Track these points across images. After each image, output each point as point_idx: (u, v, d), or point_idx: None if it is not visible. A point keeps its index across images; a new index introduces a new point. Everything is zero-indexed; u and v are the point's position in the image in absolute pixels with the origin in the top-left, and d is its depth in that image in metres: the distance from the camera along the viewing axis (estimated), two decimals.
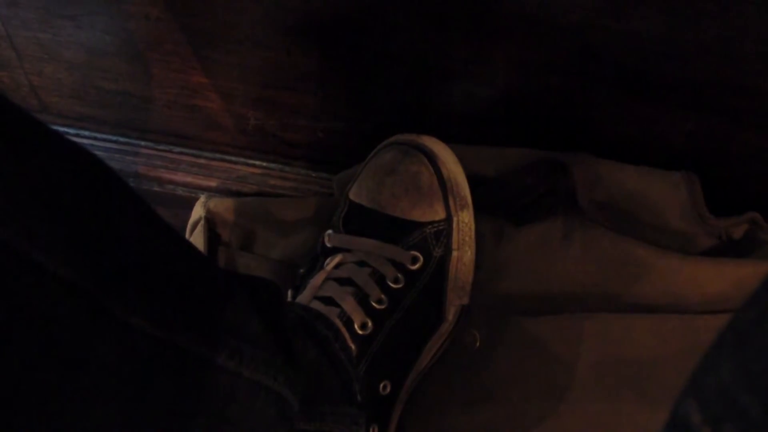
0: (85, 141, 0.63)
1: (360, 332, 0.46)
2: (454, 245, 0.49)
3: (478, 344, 0.50)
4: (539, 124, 0.53)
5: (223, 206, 0.60)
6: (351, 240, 0.49)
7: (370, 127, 0.56)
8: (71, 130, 0.63)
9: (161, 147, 0.63)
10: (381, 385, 0.46)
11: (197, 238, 0.59)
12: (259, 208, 0.60)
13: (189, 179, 0.63)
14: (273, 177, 0.61)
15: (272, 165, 0.61)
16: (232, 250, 0.59)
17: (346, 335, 0.45)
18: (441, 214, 0.49)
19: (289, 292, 0.51)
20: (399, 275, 0.48)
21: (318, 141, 0.58)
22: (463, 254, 0.50)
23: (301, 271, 0.51)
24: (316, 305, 0.47)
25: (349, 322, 0.46)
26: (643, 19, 0.43)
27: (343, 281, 0.47)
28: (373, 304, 0.47)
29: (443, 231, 0.49)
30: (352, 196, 0.51)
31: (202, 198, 0.62)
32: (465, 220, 0.50)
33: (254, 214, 0.60)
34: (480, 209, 0.51)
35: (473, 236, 0.50)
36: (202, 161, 0.63)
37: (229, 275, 0.36)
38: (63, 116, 0.62)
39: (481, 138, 0.54)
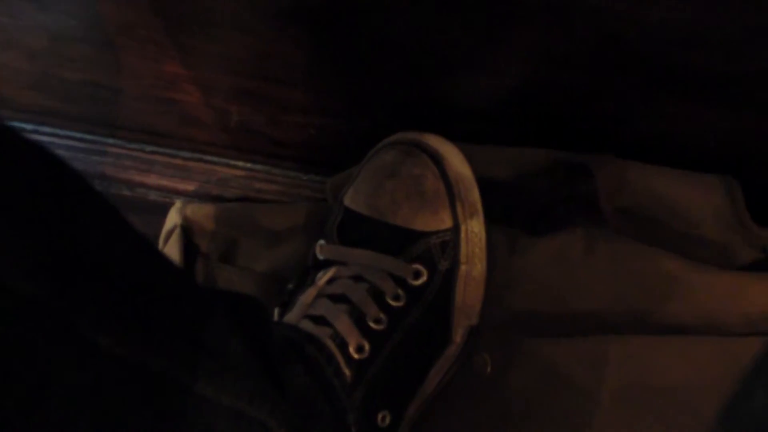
0: (45, 138, 0.63)
1: (355, 356, 0.46)
2: (462, 258, 0.50)
3: (489, 369, 0.51)
4: (557, 121, 0.53)
5: (202, 213, 0.61)
6: (346, 252, 0.49)
7: (368, 125, 0.56)
8: (29, 126, 0.63)
9: (132, 145, 0.63)
10: (379, 416, 0.46)
11: (172, 249, 0.60)
12: (242, 215, 0.60)
13: (163, 182, 0.64)
14: (258, 180, 0.62)
15: (258, 166, 0.62)
16: (212, 262, 0.60)
17: (340, 359, 0.46)
18: (447, 223, 0.50)
19: (276, 310, 0.51)
20: (400, 291, 0.48)
21: (309, 139, 0.59)
22: (473, 268, 0.50)
23: (290, 286, 0.52)
24: (306, 325, 0.47)
25: (343, 345, 0.46)
26: (672, 4, 0.43)
27: (336, 298, 0.48)
28: (371, 324, 0.47)
29: (450, 242, 0.50)
30: (347, 202, 0.51)
31: (178, 203, 0.62)
32: (474, 230, 0.50)
33: (237, 222, 0.60)
34: (491, 217, 0.51)
35: (484, 248, 0.51)
36: (178, 162, 0.63)
37: (208, 291, 0.37)
38: (21, 110, 0.62)
39: (492, 137, 0.54)
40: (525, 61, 0.50)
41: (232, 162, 0.62)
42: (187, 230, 0.61)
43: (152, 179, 0.63)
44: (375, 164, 0.51)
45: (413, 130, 0.51)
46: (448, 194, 0.50)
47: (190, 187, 0.63)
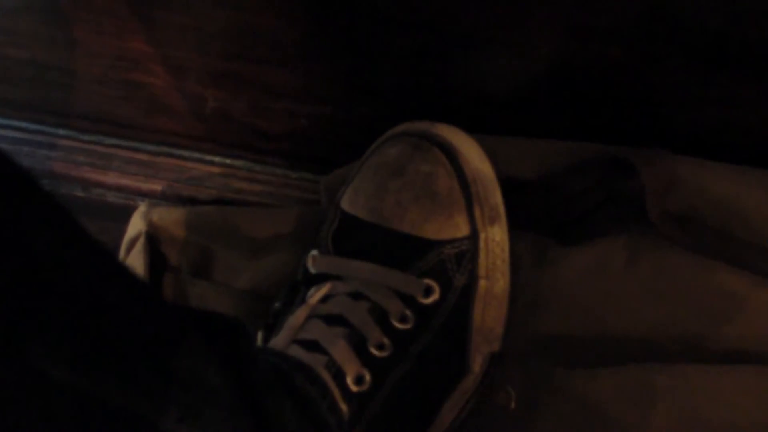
0: None
1: (354, 388, 0.46)
2: (482, 271, 0.50)
3: (513, 404, 0.50)
4: (594, 108, 0.53)
5: (171, 218, 0.61)
6: (343, 264, 0.50)
7: (369, 113, 0.56)
8: None
9: (87, 137, 0.63)
10: None
11: (135, 260, 0.60)
12: (219, 221, 0.60)
13: (124, 181, 0.63)
14: (239, 178, 0.62)
15: (238, 162, 0.62)
16: (183, 276, 0.60)
17: (336, 392, 0.46)
18: (464, 230, 0.50)
19: (259, 334, 0.51)
20: (407, 312, 0.48)
21: (299, 130, 0.58)
22: (494, 284, 0.50)
23: (276, 305, 0.52)
24: (296, 351, 0.47)
25: (339, 375, 0.46)
26: None
27: (332, 320, 0.48)
28: (373, 350, 0.47)
29: (467, 252, 0.50)
30: (344, 205, 0.52)
31: (143, 207, 0.62)
32: (496, 238, 0.50)
33: (213, 229, 0.60)
34: (516, 223, 0.51)
35: (507, 259, 0.51)
36: (143, 157, 0.63)
37: (178, 310, 0.36)
38: None
39: (516, 127, 0.54)
40: (554, 36, 0.50)
41: (208, 157, 0.62)
42: (153, 238, 0.61)
43: (111, 178, 0.63)
44: (377, 160, 0.51)
45: (422, 119, 0.52)
46: (464, 196, 0.50)
47: (157, 187, 0.63)
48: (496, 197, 0.51)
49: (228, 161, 0.62)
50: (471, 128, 0.52)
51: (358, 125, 0.56)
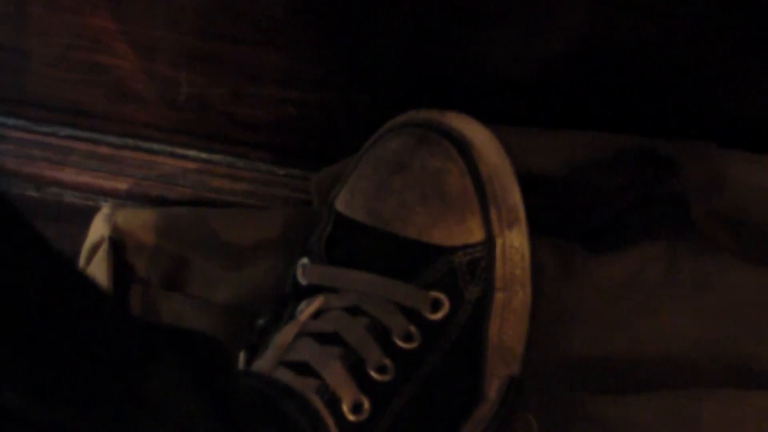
0: None
1: (351, 417, 0.46)
2: (499, 282, 0.50)
3: None
4: (625, 96, 0.53)
5: (139, 221, 0.61)
6: (338, 274, 0.50)
7: (368, 100, 0.56)
8: None
9: (42, 128, 0.63)
10: None
11: (97, 270, 0.60)
12: (195, 225, 0.60)
13: (85, 179, 0.63)
14: (217, 175, 0.62)
15: (216, 157, 0.62)
16: (153, 289, 0.60)
17: (330, 422, 0.45)
18: (478, 235, 0.50)
19: (242, 355, 0.51)
20: (412, 329, 0.48)
21: (287, 121, 0.59)
22: (513, 296, 0.50)
23: (260, 322, 0.52)
24: (284, 375, 0.47)
25: (334, 402, 0.46)
26: None
27: (325, 338, 0.48)
28: (373, 373, 0.47)
29: (481, 260, 0.50)
30: (340, 206, 0.52)
31: (106, 208, 0.62)
32: (515, 244, 0.50)
33: (188, 234, 0.60)
34: (538, 227, 0.51)
35: (528, 269, 0.51)
36: (106, 150, 0.63)
37: (147, 328, 0.36)
38: None
39: (537, 117, 0.54)
40: (578, 12, 0.50)
41: (181, 151, 0.62)
42: (118, 245, 0.61)
43: (69, 174, 0.63)
44: (378, 154, 0.51)
45: (429, 107, 0.51)
46: (478, 195, 0.50)
47: (123, 185, 0.63)
48: (515, 197, 0.51)
49: (205, 156, 0.62)
50: (485, 118, 0.51)
51: (355, 114, 0.57)
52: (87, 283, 0.32)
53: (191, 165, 0.62)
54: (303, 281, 0.50)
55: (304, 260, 0.51)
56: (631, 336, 0.51)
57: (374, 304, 0.48)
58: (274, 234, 0.58)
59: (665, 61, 0.51)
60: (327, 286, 0.50)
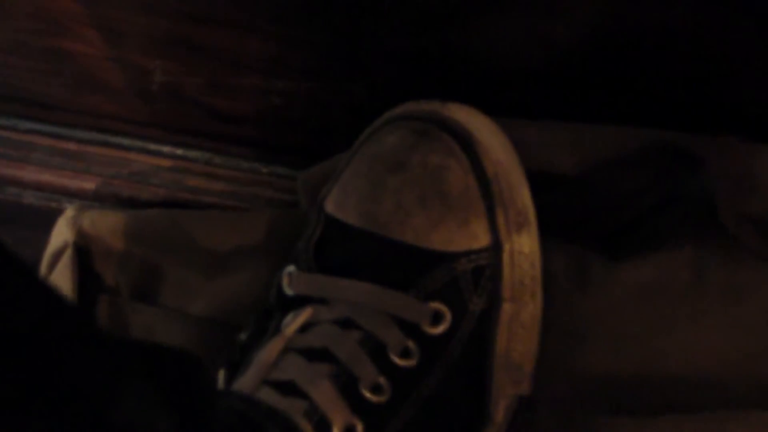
0: None
1: None
2: (506, 293, 0.50)
3: None
4: (648, 85, 0.53)
5: (107, 225, 0.61)
6: (328, 283, 0.50)
7: (362, 90, 0.56)
8: None
9: None
10: None
11: (61, 279, 0.60)
12: (169, 229, 0.60)
13: (47, 177, 0.63)
14: (194, 174, 0.62)
15: (193, 153, 0.62)
16: (123, 300, 0.60)
17: None
18: (483, 240, 0.50)
19: (222, 373, 0.51)
20: (410, 344, 0.48)
21: (272, 113, 0.59)
22: (522, 308, 0.50)
23: (242, 336, 0.52)
24: (268, 395, 0.47)
25: (323, 425, 0.46)
26: None
27: (314, 354, 0.48)
28: (366, 393, 0.47)
29: (486, 268, 0.50)
30: (330, 208, 0.52)
31: (70, 210, 0.62)
32: (524, 250, 0.50)
33: (161, 239, 0.60)
34: (551, 231, 0.51)
35: (538, 277, 0.51)
36: (71, 146, 0.63)
37: (117, 344, 0.35)
38: None
39: (548, 108, 0.54)
40: None
41: (154, 146, 0.62)
42: (83, 251, 0.61)
43: (30, 173, 0.63)
44: (372, 150, 0.51)
45: (429, 98, 0.52)
46: (483, 195, 0.50)
47: (89, 184, 0.63)
48: (525, 197, 0.51)
49: (180, 152, 0.62)
50: (491, 110, 0.51)
51: (348, 106, 0.57)
52: (49, 294, 0.32)
53: (165, 162, 0.62)
54: (289, 291, 0.50)
55: (291, 268, 0.51)
56: (654, 352, 0.51)
57: (368, 316, 0.48)
58: (257, 239, 0.58)
59: (689, 48, 0.51)
60: (316, 296, 0.50)
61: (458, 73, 0.55)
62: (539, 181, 0.51)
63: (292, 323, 0.49)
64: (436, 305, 0.49)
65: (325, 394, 0.46)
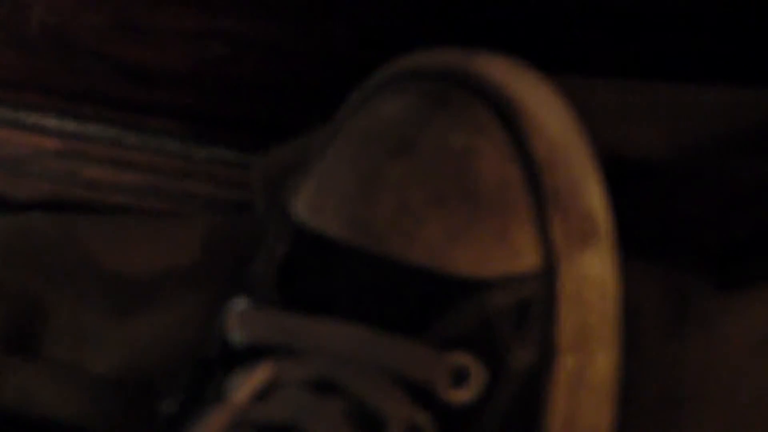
0: None
1: None
2: (564, 339, 0.48)
3: None
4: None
5: None
6: (298, 326, 0.48)
7: (346, 34, 0.55)
8: None
9: None
10: None
11: None
12: (58, 245, 0.59)
13: None
14: (94, 160, 0.61)
15: (92, 129, 0.61)
16: None
17: None
18: (529, 260, 0.48)
19: None
20: (421, 418, 0.47)
21: (211, 68, 0.58)
22: (589, 363, 0.49)
23: (168, 404, 0.51)
24: None
25: None
26: None
27: None
28: None
29: (534, 302, 0.48)
30: (302, 212, 0.50)
31: None
32: (592, 274, 0.49)
33: (45, 260, 0.60)
34: (634, 246, 0.52)
35: (615, 317, 0.50)
36: None
37: None
38: None
39: (629, 60, 0.54)
40: None
41: (33, 119, 0.62)
42: None
43: None
44: (363, 126, 0.50)
45: (448, 45, 0.51)
46: (531, 194, 0.48)
47: None
48: (593, 197, 0.49)
49: (72, 127, 0.61)
50: (541, 63, 0.52)
51: (324, 57, 0.56)
52: None
53: (50, 143, 0.61)
54: (239, 337, 0.49)
55: (241, 303, 0.49)
56: None
57: (358, 376, 0.47)
58: (189, 259, 0.57)
59: None
60: (279, 345, 0.48)
61: (488, 2, 0.54)
62: (616, 172, 0.51)
63: (243, 386, 0.47)
64: (460, 358, 0.47)
65: None
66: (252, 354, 0.48)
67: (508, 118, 0.48)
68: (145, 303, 0.58)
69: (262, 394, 0.47)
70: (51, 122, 0.62)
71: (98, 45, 0.59)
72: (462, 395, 0.46)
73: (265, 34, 0.57)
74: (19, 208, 0.62)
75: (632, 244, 0.52)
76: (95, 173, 0.62)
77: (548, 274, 0.48)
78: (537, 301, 0.48)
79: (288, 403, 0.47)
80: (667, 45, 0.55)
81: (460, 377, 0.46)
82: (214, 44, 0.58)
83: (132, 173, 0.62)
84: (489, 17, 0.54)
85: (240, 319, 0.49)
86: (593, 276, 0.49)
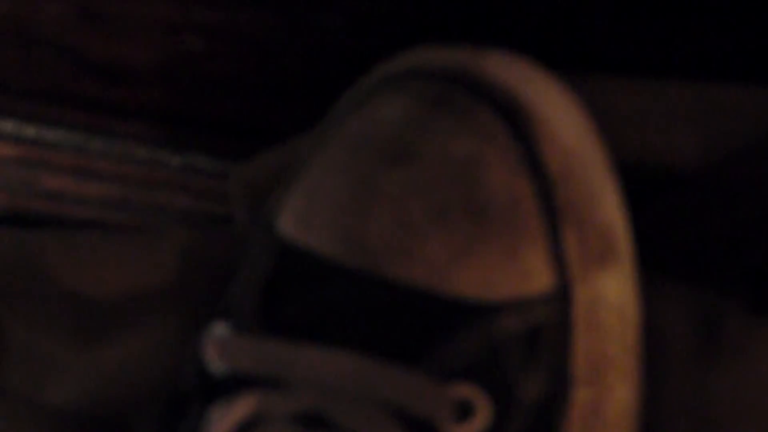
0: None
1: None
2: (580, 370, 0.48)
3: None
4: None
5: None
6: (285, 353, 0.48)
7: (340, 24, 0.55)
8: None
9: None
10: None
11: None
12: (14, 264, 0.60)
13: None
14: (55, 168, 0.61)
15: (53, 134, 0.61)
16: None
17: None
18: (541, 281, 0.48)
19: None
20: None
21: (186, 64, 0.58)
22: (606, 396, 0.49)
23: None
24: None
25: None
26: None
27: None
28: None
29: (546, 329, 0.48)
30: (287, 228, 0.50)
31: None
32: (610, 297, 0.49)
33: (2, 277, 0.60)
34: (657, 266, 0.51)
35: (635, 345, 0.50)
36: None
37: None
38: None
39: (651, 56, 0.54)
40: None
41: None
42: None
43: None
44: (357, 131, 0.50)
45: (454, 42, 0.51)
46: (543, 208, 0.48)
47: None
48: (611, 211, 0.49)
49: (31, 132, 0.61)
50: (554, 62, 0.52)
51: (314, 52, 0.55)
52: None
53: (6, 149, 0.61)
54: (218, 366, 0.48)
55: (221, 328, 0.49)
56: None
57: (350, 409, 0.46)
58: (161, 278, 0.58)
59: None
60: (263, 375, 0.48)
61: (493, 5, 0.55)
62: (637, 183, 0.51)
63: (223, 420, 0.47)
64: (464, 390, 0.46)
65: None
66: (233, 385, 0.48)
67: (518, 125, 0.48)
68: (113, 327, 0.58)
69: (245, 430, 0.47)
70: (7, 126, 0.62)
71: (59, 37, 0.59)
72: (466, 431, 0.46)
73: (246, 26, 0.57)
74: None
75: (655, 263, 0.52)
76: (56, 183, 0.62)
77: (561, 297, 0.48)
78: (549, 327, 0.48)
79: None
80: (687, 40, 0.55)
81: (464, 411, 0.46)
82: (189, 37, 0.58)
83: (97, 183, 0.62)
84: (498, 8, 0.54)
85: (219, 346, 0.48)
86: (611, 299, 0.49)
